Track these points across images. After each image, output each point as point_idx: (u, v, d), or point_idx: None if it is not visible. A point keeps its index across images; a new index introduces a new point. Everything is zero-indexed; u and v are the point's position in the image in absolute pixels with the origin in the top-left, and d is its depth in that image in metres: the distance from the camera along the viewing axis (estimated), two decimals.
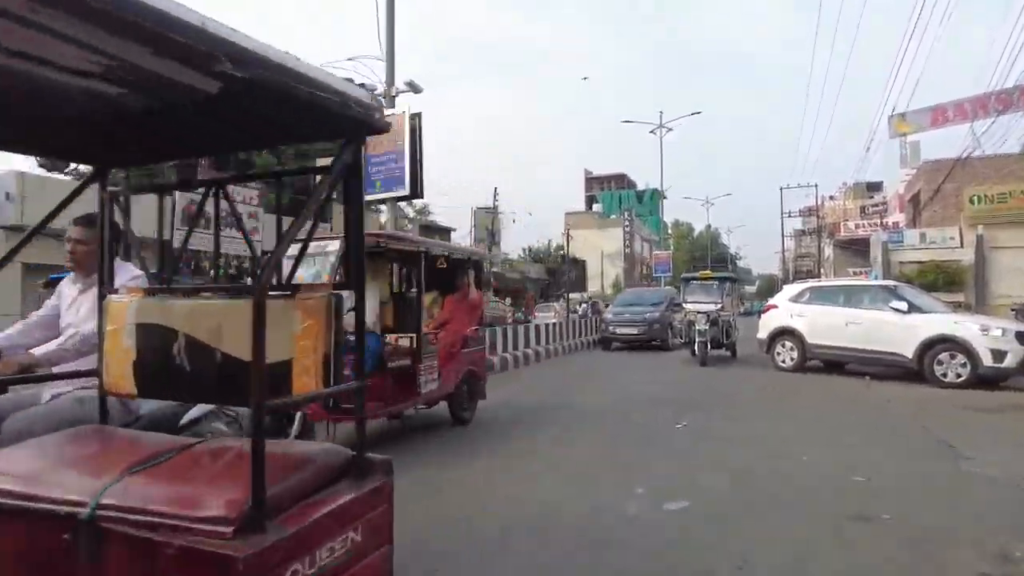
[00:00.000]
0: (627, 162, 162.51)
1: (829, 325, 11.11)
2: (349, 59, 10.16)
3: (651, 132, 34.25)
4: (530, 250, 49.10)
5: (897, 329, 10.19)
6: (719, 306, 13.78)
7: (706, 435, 6.31)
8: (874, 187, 55.91)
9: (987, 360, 9.26)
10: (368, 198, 9.74)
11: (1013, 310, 24.41)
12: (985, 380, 9.39)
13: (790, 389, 9.57)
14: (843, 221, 48.30)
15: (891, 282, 11.81)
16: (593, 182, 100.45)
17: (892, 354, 10.26)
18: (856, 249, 43.23)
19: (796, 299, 11.89)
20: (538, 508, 4.11)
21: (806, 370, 11.63)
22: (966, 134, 34.53)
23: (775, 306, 12.27)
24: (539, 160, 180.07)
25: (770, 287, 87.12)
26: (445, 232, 32.92)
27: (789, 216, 48.86)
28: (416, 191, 9.26)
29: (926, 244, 28.00)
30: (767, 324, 12.21)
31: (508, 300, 26.76)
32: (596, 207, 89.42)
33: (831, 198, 58.93)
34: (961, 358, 9.49)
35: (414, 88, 9.76)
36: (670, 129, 34.59)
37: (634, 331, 16.93)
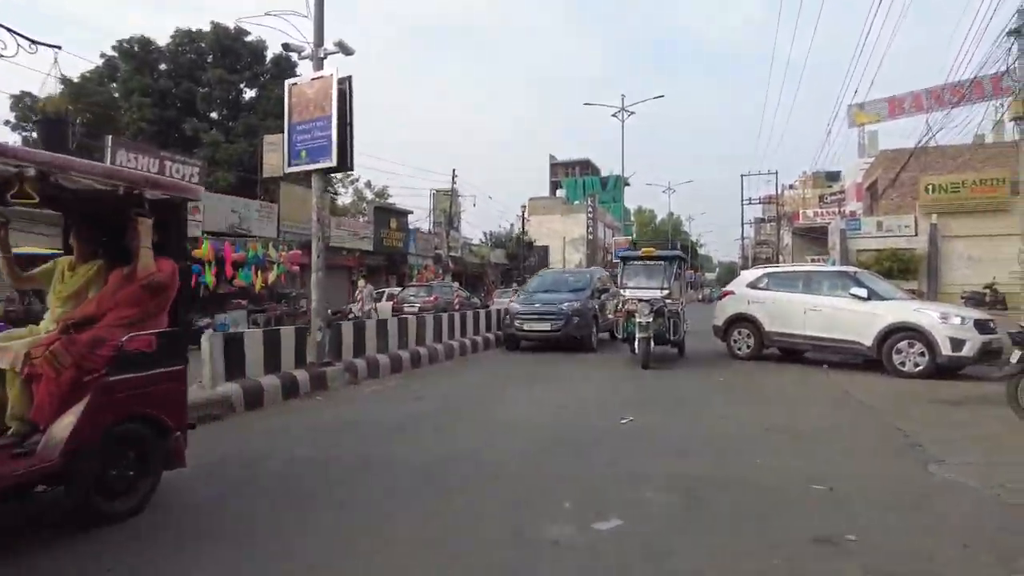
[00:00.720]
0: (592, 149, 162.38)
1: (787, 312, 10.65)
2: (268, 14, 9.18)
3: (613, 115, 33.70)
4: (491, 235, 48.25)
5: (856, 316, 9.76)
6: (665, 292, 10.80)
7: (649, 437, 5.67)
8: (833, 177, 56.78)
9: (946, 349, 8.89)
10: (291, 169, 8.84)
11: (963, 298, 24.78)
12: (942, 369, 9.05)
13: (745, 382, 9.06)
14: (802, 209, 48.75)
15: (851, 268, 11.40)
16: (558, 168, 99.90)
17: (851, 342, 9.84)
18: (814, 237, 43.62)
19: (754, 285, 11.40)
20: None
21: (763, 358, 11.19)
22: (923, 125, 34.96)
23: (732, 292, 11.77)
24: (505, 146, 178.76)
25: (730, 275, 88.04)
26: (402, 215, 31.86)
27: (750, 203, 49.05)
28: (345, 162, 8.37)
29: (883, 232, 28.19)
30: (723, 311, 11.71)
31: (456, 284, 25.89)
32: (560, 193, 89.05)
33: (791, 187, 59.69)
34: (920, 347, 9.10)
35: (344, 50, 8.84)
36: (632, 112, 34.10)
37: (546, 327, 12.57)
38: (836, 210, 42.20)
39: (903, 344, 9.23)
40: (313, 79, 8.49)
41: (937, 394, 7.66)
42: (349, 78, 8.30)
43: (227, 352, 7.12)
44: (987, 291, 25.02)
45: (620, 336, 11.11)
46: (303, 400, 7.51)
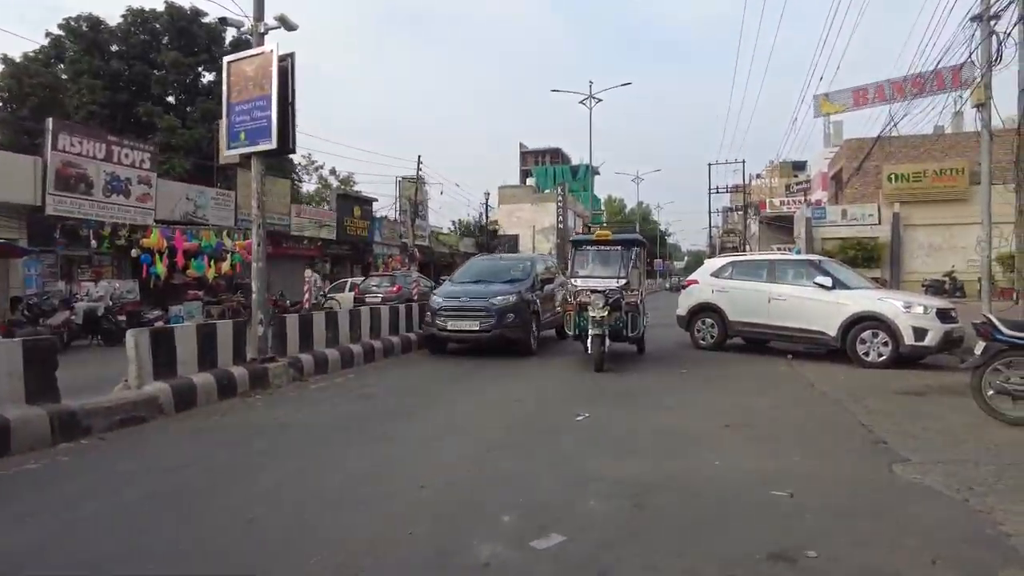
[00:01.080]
0: (564, 137, 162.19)
1: (751, 301, 10.46)
2: None
3: (581, 103, 33.35)
4: (460, 223, 47.68)
5: (821, 306, 9.60)
6: (622, 282, 9.39)
7: (601, 435, 5.34)
8: (799, 166, 57.41)
9: (909, 338, 8.76)
10: (230, 152, 8.28)
11: (924, 286, 25.12)
12: (905, 359, 8.94)
13: (707, 374, 8.81)
14: (769, 198, 49.16)
15: (815, 256, 11.26)
16: (528, 156, 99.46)
17: (815, 332, 9.69)
18: (780, 225, 44.01)
19: (718, 274, 11.18)
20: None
21: (727, 348, 11.00)
22: (886, 115, 35.36)
23: (696, 281, 11.55)
24: (475, 134, 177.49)
25: (698, 263, 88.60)
26: (366, 203, 31.13)
27: (717, 192, 49.24)
28: (286, 144, 7.83)
29: (847, 221, 28.43)
30: (687, 300, 11.48)
31: (417, 274, 25.20)
32: (531, 181, 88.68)
33: (758, 176, 60.21)
34: (884, 336, 8.96)
35: (286, 24, 8.29)
36: (599, 100, 33.79)
37: (473, 326, 10.30)
38: (802, 199, 42.63)
39: (867, 334, 9.09)
40: (252, 55, 7.93)
41: (901, 384, 7.50)
42: (291, 55, 7.75)
43: (155, 348, 6.57)
44: (946, 279, 25.41)
45: (571, 333, 9.49)
46: (241, 399, 7.00)
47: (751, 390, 7.26)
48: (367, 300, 19.53)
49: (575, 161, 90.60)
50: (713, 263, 11.68)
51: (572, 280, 9.74)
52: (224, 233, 19.30)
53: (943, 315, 8.91)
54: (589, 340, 8.67)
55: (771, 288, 10.27)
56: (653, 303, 25.24)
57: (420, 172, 30.72)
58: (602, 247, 10.22)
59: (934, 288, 24.01)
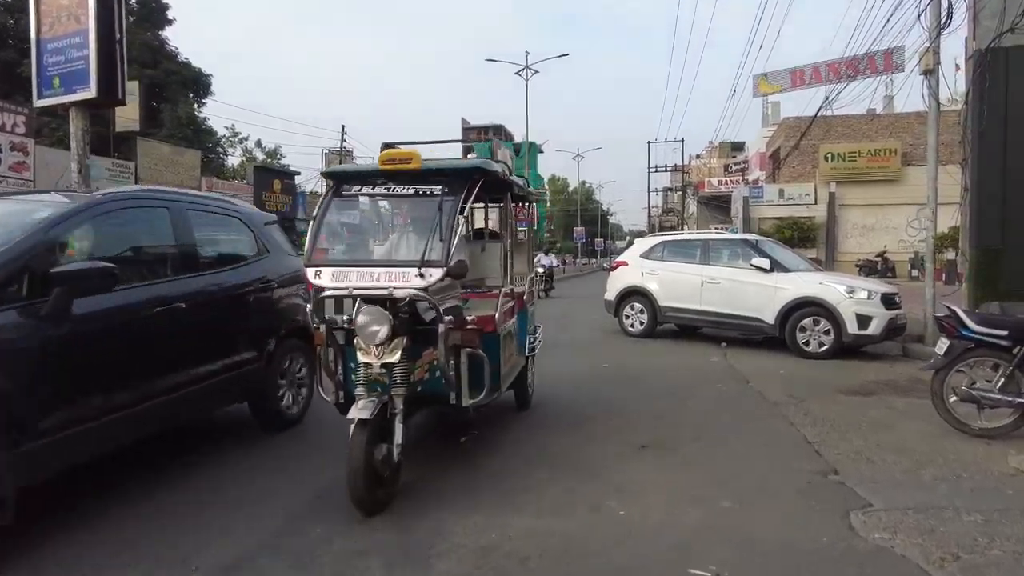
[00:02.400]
0: (508, 117, 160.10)
1: (683, 285, 9.48)
2: None
3: (516, 73, 31.91)
4: None
5: (757, 290, 8.69)
6: (437, 276, 3.36)
7: (472, 464, 4.16)
8: (738, 147, 57.73)
9: (852, 327, 7.93)
10: (42, 102, 6.57)
11: (857, 266, 25.07)
12: (847, 348, 8.14)
13: (632, 368, 7.76)
14: (708, 178, 49.13)
15: (752, 236, 10.35)
16: (470, 132, 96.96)
17: (751, 319, 8.78)
18: (719, 205, 44.05)
19: (648, 255, 10.15)
20: None
21: (658, 335, 10.03)
22: (822, 96, 35.42)
23: (625, 263, 10.49)
24: (417, 109, 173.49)
25: None
26: (288, 176, 29.01)
27: (656, 171, 48.84)
28: (113, 92, 6.23)
29: (784, 200, 28.14)
30: (615, 283, 10.43)
31: None
32: (472, 157, 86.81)
33: (698, 157, 60.36)
34: (825, 324, 8.11)
35: None
36: (536, 71, 32.40)
37: None
38: (740, 179, 42.64)
39: (807, 321, 8.22)
40: None
41: (844, 381, 6.60)
42: None
43: None
44: (879, 259, 25.47)
45: (329, 399, 3.81)
46: None
47: (678, 390, 6.20)
48: None
49: (518, 139, 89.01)
50: (644, 243, 10.62)
51: (314, 272, 3.57)
52: None
53: (888, 301, 8.11)
54: (352, 427, 3.17)
55: (704, 270, 9.31)
56: (585, 288, 24.13)
57: (344, 143, 28.67)
58: (398, 188, 3.90)
59: (867, 269, 23.97)
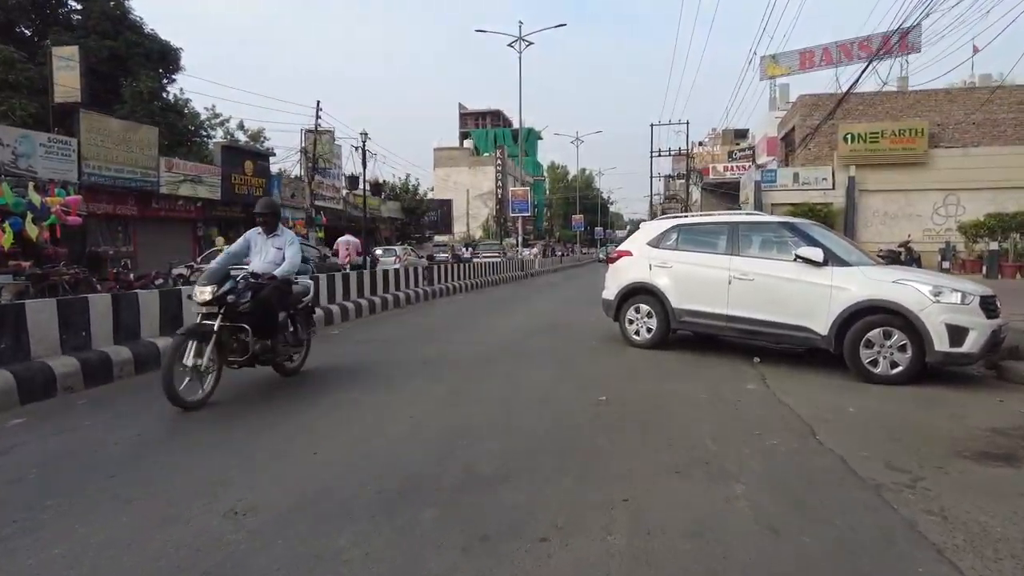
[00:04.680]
0: (506, 103, 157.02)
1: (705, 281, 7.32)
2: None
3: (509, 45, 29.49)
4: (385, 184, 43.42)
5: (806, 290, 6.52)
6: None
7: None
8: (741, 134, 55.69)
9: (941, 343, 5.77)
10: None
11: (881, 256, 22.90)
12: (933, 369, 6.01)
13: (637, 398, 5.60)
14: (712, 164, 46.94)
15: (793, 218, 8.13)
16: (468, 118, 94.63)
17: (796, 327, 6.61)
18: (724, 192, 41.91)
19: (658, 242, 7.96)
20: None
21: (671, 344, 7.88)
22: (832, 79, 33.19)
23: (629, 253, 8.29)
24: (415, 94, 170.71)
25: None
26: (260, 157, 26.70)
27: (659, 155, 46.51)
28: None
29: (800, 184, 25.88)
30: (617, 279, 8.27)
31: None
32: (468, 143, 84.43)
33: (700, 144, 58.18)
34: (900, 337, 5.95)
35: None
36: (530, 43, 29.99)
37: None
38: (747, 164, 40.44)
39: (876, 334, 6.05)
40: None
41: (956, 429, 4.45)
42: None
43: None
44: (902, 249, 23.28)
45: None
46: None
47: (714, 459, 3.99)
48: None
49: (517, 124, 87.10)
50: (652, 227, 8.38)
51: None
52: (31, 186, 14.85)
53: (988, 306, 5.94)
54: None
55: (732, 263, 7.14)
56: (581, 282, 21.98)
57: (319, 121, 26.38)
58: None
59: (889, 259, 21.82)
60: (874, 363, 6.06)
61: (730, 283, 7.08)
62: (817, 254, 6.48)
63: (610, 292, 8.31)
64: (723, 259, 7.23)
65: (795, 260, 6.63)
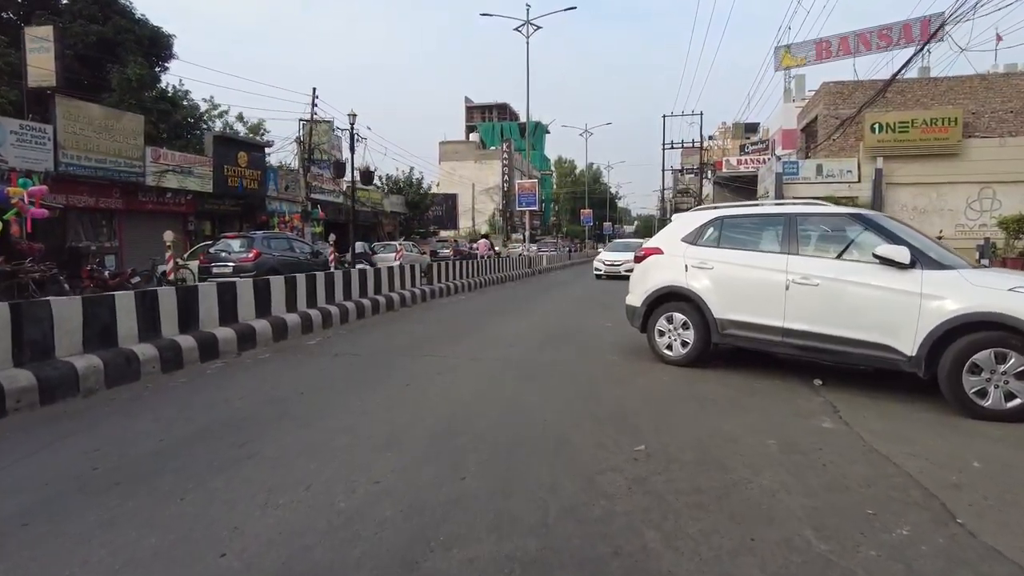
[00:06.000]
0: (513, 98, 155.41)
1: (755, 286, 6.00)
2: None
3: (516, 30, 28.09)
4: (388, 178, 42.16)
5: (888, 299, 5.19)
6: None
7: None
8: (751, 128, 54.30)
9: None
10: None
11: None
12: None
13: (676, 448, 4.29)
14: (725, 158, 45.50)
15: (863, 210, 6.74)
16: (474, 111, 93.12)
17: (873, 345, 5.27)
18: (738, 187, 40.41)
19: (696, 238, 6.62)
20: None
21: (709, 362, 6.56)
22: (850, 69, 31.55)
23: (659, 250, 6.94)
24: (421, 88, 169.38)
25: (648, 231, 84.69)
26: (255, 148, 25.44)
27: (671, 147, 45.01)
28: None
29: (823, 177, 24.41)
30: (644, 282, 6.92)
31: (285, 233, 19.56)
32: (475, 137, 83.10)
33: (710, 139, 56.78)
34: (1019, 361, 4.61)
35: None
36: (538, 27, 28.56)
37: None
38: (759, 158, 39.01)
39: (985, 356, 4.70)
40: None
41: None
42: None
43: None
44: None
45: None
46: None
47: (809, 543, 2.70)
48: (214, 270, 14.49)
49: (524, 114, 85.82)
50: (687, 220, 7.01)
51: None
52: None
53: None
54: None
55: (791, 264, 5.81)
56: (588, 275, 20.62)
57: (315, 110, 25.10)
58: None
59: None
60: (981, 393, 4.72)
61: (787, 288, 5.75)
62: (903, 254, 5.14)
63: (636, 297, 6.98)
64: (778, 259, 5.89)
65: (872, 261, 5.30)
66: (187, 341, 6.41)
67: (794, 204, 6.40)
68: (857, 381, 5.92)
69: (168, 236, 13.85)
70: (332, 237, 18.37)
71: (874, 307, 5.27)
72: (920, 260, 5.15)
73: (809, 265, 5.72)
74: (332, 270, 11.93)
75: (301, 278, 9.13)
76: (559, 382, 5.79)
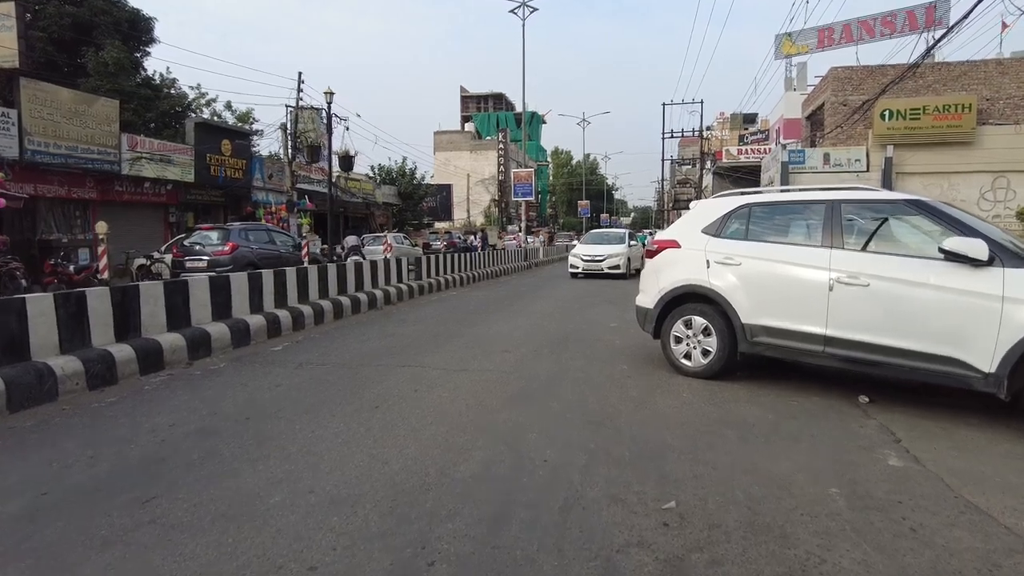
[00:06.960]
0: (508, 87, 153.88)
1: (791, 285, 5.07)
2: None
3: (511, 12, 26.99)
4: (380, 168, 41.09)
5: (956, 302, 4.27)
6: None
7: None
8: (749, 119, 53.36)
9: None
10: None
11: None
12: None
13: (713, 487, 3.37)
14: (725, 148, 44.54)
15: (919, 196, 5.78)
16: (469, 101, 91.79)
17: (939, 359, 4.35)
18: (739, 177, 39.46)
19: (719, 229, 5.68)
20: None
21: (735, 373, 5.64)
22: (853, 57, 30.72)
23: (675, 243, 5.99)
24: (416, 77, 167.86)
25: (645, 223, 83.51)
26: (240, 136, 24.35)
27: (671, 136, 44.04)
28: None
29: (831, 166, 23.48)
30: (659, 278, 5.97)
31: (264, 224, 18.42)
32: (470, 127, 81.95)
33: (708, 129, 55.82)
34: None
35: None
36: (535, 8, 27.47)
37: None
38: (765, 147, 38.06)
39: None
40: None
41: None
42: None
43: None
44: None
45: None
46: None
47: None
48: (188, 265, 13.50)
49: (519, 101, 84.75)
50: (709, 208, 6.04)
51: None
52: None
53: None
54: None
55: (834, 259, 4.88)
56: (564, 271, 19.52)
57: (301, 95, 23.98)
58: None
59: None
60: None
61: (831, 289, 4.82)
62: (979, 248, 4.21)
63: (648, 298, 6.03)
64: (819, 253, 4.96)
65: (937, 256, 4.37)
66: (123, 351, 5.46)
67: (838, 189, 5.43)
68: (906, 395, 5.02)
69: (101, 227, 12.81)
70: (306, 228, 17.32)
71: (940, 313, 4.35)
72: (1000, 255, 4.22)
73: (857, 261, 4.79)
74: (305, 265, 10.92)
75: (268, 274, 8.16)
76: (562, 405, 4.84)
